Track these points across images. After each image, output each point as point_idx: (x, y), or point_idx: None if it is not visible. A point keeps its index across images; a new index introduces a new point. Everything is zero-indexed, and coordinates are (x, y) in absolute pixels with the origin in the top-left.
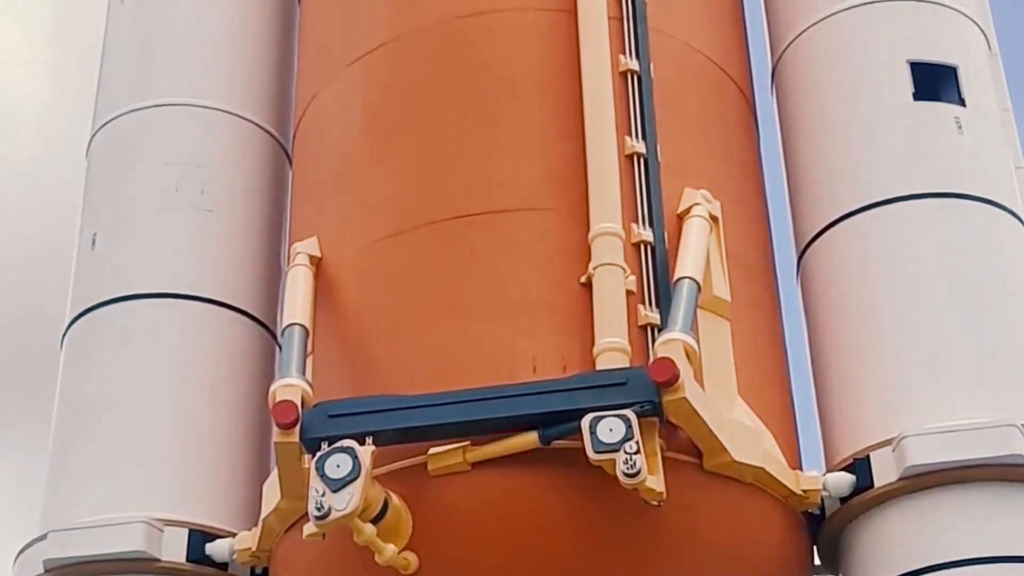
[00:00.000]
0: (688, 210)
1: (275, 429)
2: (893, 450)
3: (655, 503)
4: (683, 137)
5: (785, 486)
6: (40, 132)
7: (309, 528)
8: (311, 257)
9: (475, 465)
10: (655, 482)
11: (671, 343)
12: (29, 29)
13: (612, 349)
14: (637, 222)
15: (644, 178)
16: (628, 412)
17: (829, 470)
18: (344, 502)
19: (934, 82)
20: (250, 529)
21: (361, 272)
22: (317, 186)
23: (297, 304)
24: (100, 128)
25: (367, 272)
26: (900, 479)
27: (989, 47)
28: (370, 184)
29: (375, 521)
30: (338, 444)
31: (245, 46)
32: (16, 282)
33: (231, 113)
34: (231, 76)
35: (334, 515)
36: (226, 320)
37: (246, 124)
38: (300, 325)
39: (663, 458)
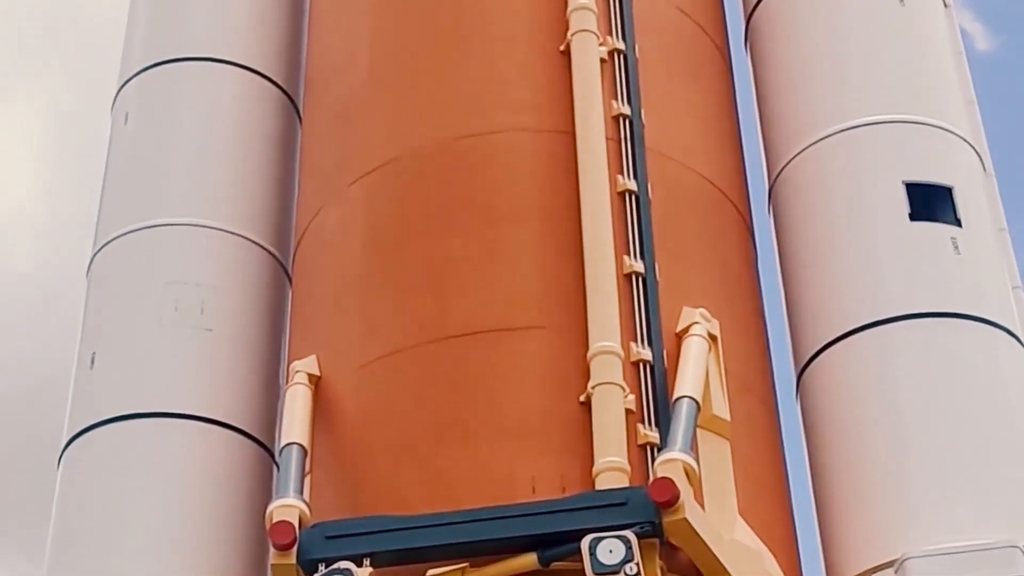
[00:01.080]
0: (687, 329)
1: (272, 550)
2: (896, 572)
3: None
4: (681, 256)
5: None
6: (36, 247)
7: None
8: (310, 376)
9: None
10: None
11: (671, 463)
12: (28, 142)
13: (612, 469)
14: (636, 341)
15: (643, 297)
16: (628, 533)
17: None
18: None
19: (930, 203)
20: None
21: (359, 391)
22: (317, 304)
23: (295, 423)
24: (101, 248)
25: (365, 391)
26: None
27: (984, 168)
28: (369, 303)
29: None
30: (336, 566)
31: (246, 166)
32: (12, 400)
33: (232, 232)
34: (232, 196)
35: None
36: (224, 439)
37: (246, 243)
38: (298, 445)
39: None
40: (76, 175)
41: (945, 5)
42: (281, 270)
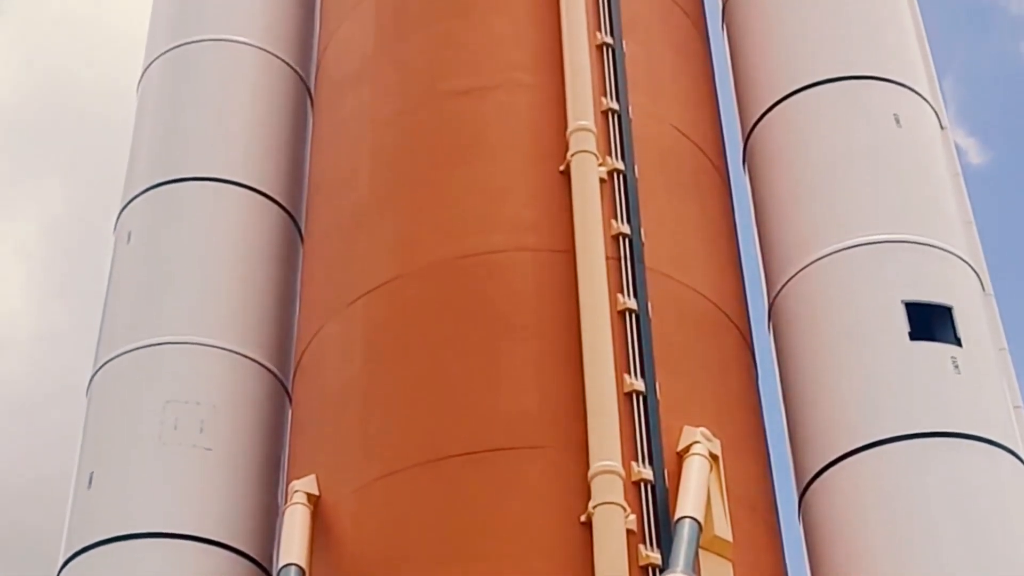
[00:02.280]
0: (688, 448)
1: None
2: None
3: None
4: (682, 375)
5: None
6: (27, 355)
7: None
8: (309, 495)
9: None
10: None
11: None
12: (24, 258)
13: None
14: (637, 460)
15: (643, 416)
16: None
17: None
18: None
19: (930, 322)
20: None
21: (359, 512)
22: (317, 423)
23: (294, 543)
24: (101, 367)
25: (365, 512)
26: None
27: (983, 288)
28: (369, 422)
29: None
30: None
31: (247, 285)
32: (7, 520)
33: (232, 351)
34: (233, 314)
35: None
36: (223, 560)
37: (247, 362)
38: (296, 566)
39: None
40: (67, 285)
41: (942, 127)
42: (281, 388)
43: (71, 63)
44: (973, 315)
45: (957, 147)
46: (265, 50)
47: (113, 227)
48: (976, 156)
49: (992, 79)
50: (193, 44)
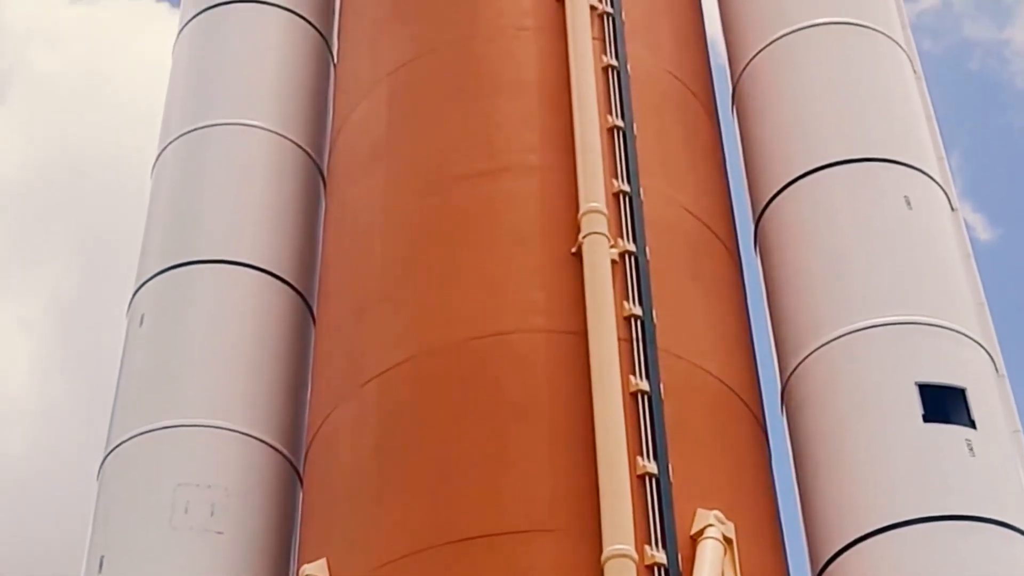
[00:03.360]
0: (701, 531)
1: None
2: None
3: None
4: (695, 457)
5: None
6: (32, 433)
7: None
8: None
9: None
10: None
11: None
12: (29, 333)
13: None
14: (650, 543)
15: (657, 499)
16: None
17: None
18: None
19: (944, 404)
20: None
21: None
22: (327, 506)
23: None
24: (112, 450)
25: None
26: None
27: (996, 369)
28: (381, 505)
29: None
30: None
31: (259, 367)
32: None
33: (243, 433)
34: (244, 397)
35: None
36: None
37: (258, 444)
38: None
39: None
40: (70, 361)
41: (952, 208)
42: (292, 471)
43: (77, 142)
44: (987, 397)
45: (964, 223)
46: (278, 134)
47: (126, 310)
48: (983, 232)
49: (998, 154)
50: (207, 128)
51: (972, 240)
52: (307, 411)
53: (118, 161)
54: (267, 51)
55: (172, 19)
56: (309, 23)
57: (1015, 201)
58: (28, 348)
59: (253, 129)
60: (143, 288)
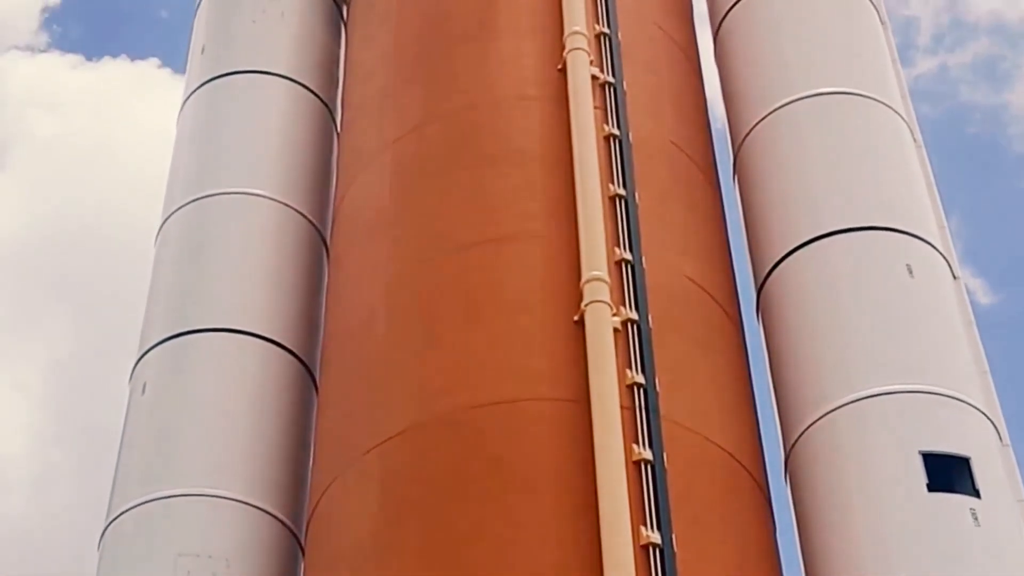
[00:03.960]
0: None
1: None
2: None
3: None
4: (699, 526)
5: None
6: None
7: None
8: None
9: None
10: None
11: None
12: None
13: None
14: None
15: (660, 569)
16: None
17: None
18: None
19: (948, 473)
20: None
21: None
22: None
23: None
24: (113, 520)
25: None
26: None
27: (1000, 438)
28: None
29: None
30: None
31: (261, 436)
32: None
33: (245, 503)
34: (246, 466)
35: None
36: None
37: (260, 514)
38: None
39: None
40: (70, 427)
41: (955, 277)
42: (294, 541)
43: (78, 207)
44: (991, 466)
45: (965, 290)
46: (282, 202)
47: (128, 378)
48: (984, 297)
49: (998, 218)
50: (210, 197)
51: (972, 305)
52: (309, 480)
53: (118, 226)
54: (271, 120)
55: (175, 85)
56: (312, 92)
57: (1016, 265)
58: (25, 411)
59: (256, 198)
60: (146, 356)
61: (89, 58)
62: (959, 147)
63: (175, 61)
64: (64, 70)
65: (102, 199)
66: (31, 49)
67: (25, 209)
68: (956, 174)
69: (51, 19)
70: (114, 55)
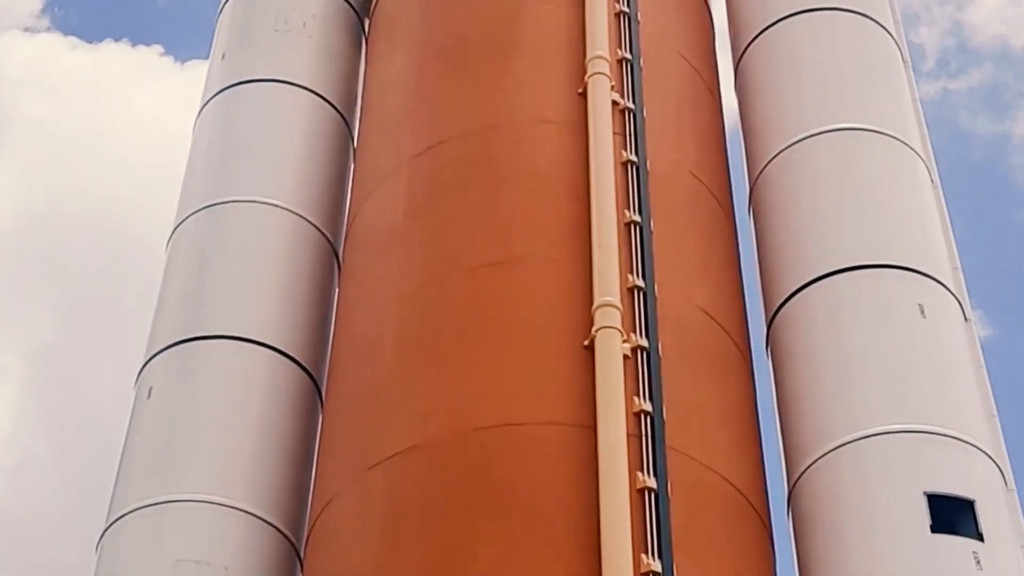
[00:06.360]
0: None
1: None
2: None
3: None
4: (700, 557)
5: None
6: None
7: None
8: None
9: None
10: None
11: None
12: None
13: None
14: None
15: None
16: None
17: None
18: None
19: (952, 515)
20: None
21: None
22: None
23: None
24: (112, 523)
25: None
26: None
27: (1005, 482)
28: None
29: None
30: None
31: (265, 446)
32: None
33: (245, 511)
34: (248, 475)
35: None
36: None
37: (259, 523)
38: None
39: None
40: (51, 414)
41: (966, 319)
42: (293, 552)
43: (70, 191)
44: (995, 510)
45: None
46: (296, 213)
47: (134, 382)
48: (983, 329)
49: (998, 249)
50: (225, 204)
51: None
52: (311, 492)
53: (109, 212)
54: (289, 130)
55: (175, 73)
56: (331, 105)
57: (1014, 298)
58: (6, 397)
59: (271, 208)
60: (153, 360)
61: (89, 41)
62: (959, 176)
63: (177, 49)
64: (63, 52)
65: (95, 184)
66: (31, 30)
67: (17, 191)
68: (956, 203)
69: (53, 1)
70: (116, 38)
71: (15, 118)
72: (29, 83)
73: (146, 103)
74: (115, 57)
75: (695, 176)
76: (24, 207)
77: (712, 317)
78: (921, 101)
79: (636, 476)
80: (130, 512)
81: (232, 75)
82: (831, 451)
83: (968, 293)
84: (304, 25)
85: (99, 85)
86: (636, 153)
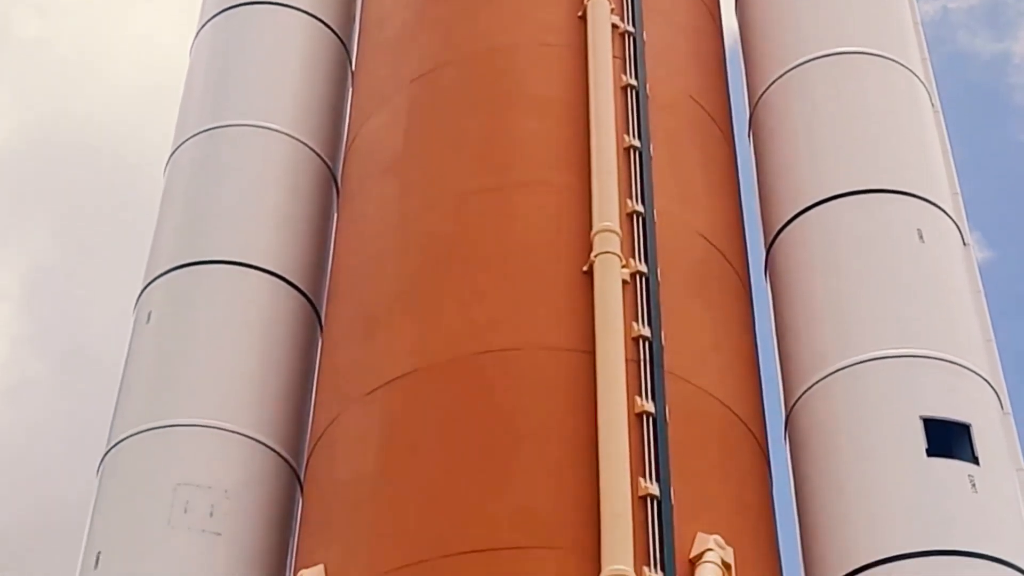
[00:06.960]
0: (701, 555)
1: None
2: None
3: None
4: (697, 480)
5: None
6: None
7: None
8: None
9: None
10: None
11: None
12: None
13: None
14: (649, 565)
15: (657, 521)
16: None
17: None
18: None
19: (948, 439)
20: None
21: None
22: (327, 514)
23: None
24: (113, 447)
25: None
26: None
27: (1002, 406)
28: (379, 515)
29: None
30: None
31: (264, 371)
32: None
33: (245, 435)
34: (248, 400)
35: None
36: None
37: (260, 447)
38: None
39: None
40: (44, 332)
41: (964, 243)
42: (293, 475)
43: (65, 115)
44: (991, 434)
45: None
46: (294, 137)
47: (133, 306)
48: (980, 251)
49: (997, 170)
50: (222, 128)
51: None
52: (311, 416)
53: (103, 134)
54: (286, 54)
55: None
56: (329, 28)
57: (1015, 219)
58: (4, 317)
59: (269, 131)
60: (152, 285)
61: None
62: (958, 96)
63: None
64: None
65: (91, 105)
66: None
67: (12, 114)
68: (954, 123)
69: None
70: None
71: (8, 40)
72: (20, 3)
73: (140, 25)
74: None
75: (695, 101)
76: (17, 131)
77: (711, 242)
78: (920, 22)
79: (634, 400)
80: (130, 436)
81: None
82: (828, 376)
83: (967, 215)
84: None
85: (91, 2)
86: (636, 77)
